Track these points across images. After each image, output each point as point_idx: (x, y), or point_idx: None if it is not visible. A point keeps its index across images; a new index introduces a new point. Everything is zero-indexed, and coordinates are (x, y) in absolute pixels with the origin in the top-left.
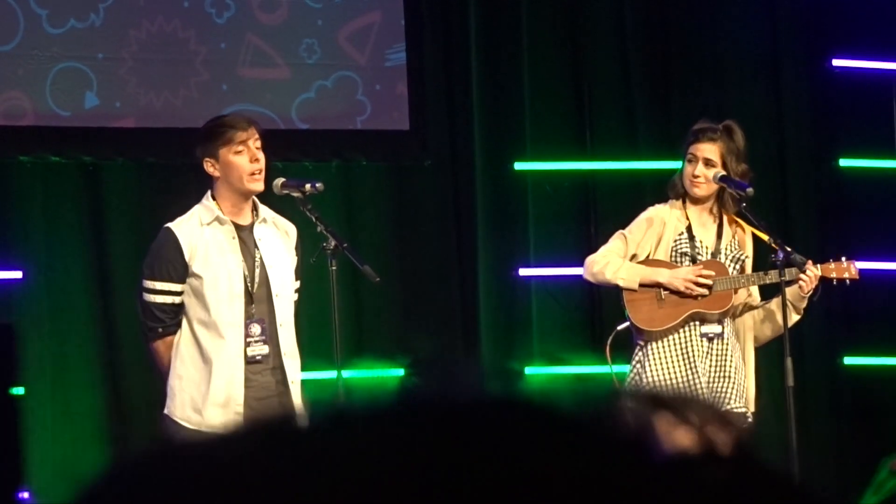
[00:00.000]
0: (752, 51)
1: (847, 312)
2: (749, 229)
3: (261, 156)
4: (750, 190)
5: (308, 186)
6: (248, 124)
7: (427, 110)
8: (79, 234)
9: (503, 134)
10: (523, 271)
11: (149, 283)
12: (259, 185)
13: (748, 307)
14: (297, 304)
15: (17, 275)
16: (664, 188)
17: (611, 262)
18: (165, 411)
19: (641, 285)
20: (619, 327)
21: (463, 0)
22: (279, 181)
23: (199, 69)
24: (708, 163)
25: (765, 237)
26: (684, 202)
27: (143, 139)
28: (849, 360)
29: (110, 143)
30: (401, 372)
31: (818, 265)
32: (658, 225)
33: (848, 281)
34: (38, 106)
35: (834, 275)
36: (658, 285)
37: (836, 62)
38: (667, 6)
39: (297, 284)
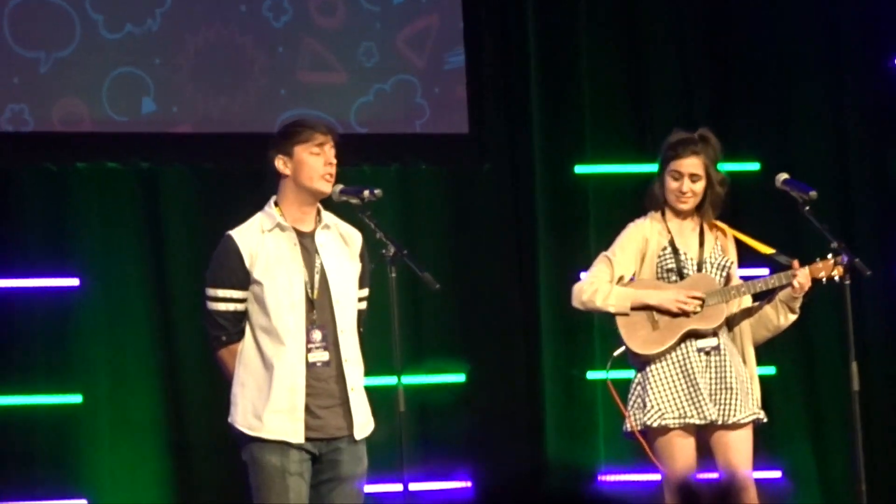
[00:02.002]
0: (812, 51)
1: None
2: (731, 232)
3: (335, 162)
4: (814, 193)
5: (366, 193)
6: (329, 130)
7: (486, 113)
8: (136, 241)
9: (562, 136)
10: (585, 275)
11: (211, 291)
12: (328, 187)
13: (742, 312)
14: (363, 312)
15: (74, 282)
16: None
17: (599, 289)
18: (230, 419)
19: (633, 308)
20: (616, 353)
21: (521, 2)
22: (337, 188)
23: (256, 74)
24: (693, 177)
25: (760, 247)
26: (663, 213)
27: (201, 145)
28: None
29: (168, 148)
30: (461, 378)
31: (807, 266)
32: (640, 242)
33: (837, 278)
34: (95, 112)
35: (822, 274)
36: (649, 308)
37: None
38: (727, 7)
39: (364, 292)
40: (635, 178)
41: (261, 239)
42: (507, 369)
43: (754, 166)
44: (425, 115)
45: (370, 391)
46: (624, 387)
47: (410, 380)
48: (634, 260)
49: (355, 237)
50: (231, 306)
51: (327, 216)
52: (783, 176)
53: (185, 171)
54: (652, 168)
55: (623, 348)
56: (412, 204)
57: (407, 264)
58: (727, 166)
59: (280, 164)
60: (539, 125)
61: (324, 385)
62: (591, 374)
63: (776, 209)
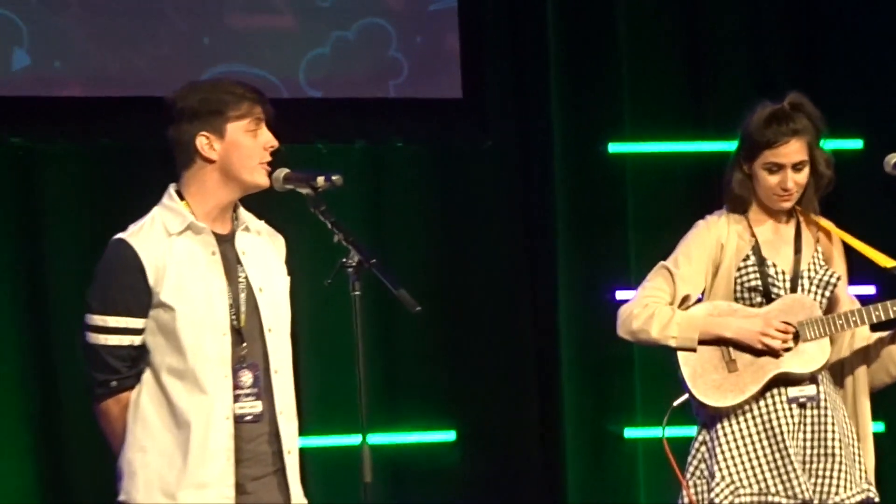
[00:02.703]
0: None
1: None
2: (838, 234)
3: (276, 143)
4: None
5: (321, 180)
6: (263, 98)
7: (487, 72)
8: (4, 241)
9: (592, 104)
10: (621, 294)
11: (97, 319)
12: (266, 180)
13: (854, 350)
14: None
15: None
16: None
17: (656, 315)
18: (122, 497)
19: (701, 342)
20: (676, 403)
21: None
22: (282, 172)
23: (170, 17)
24: (797, 166)
25: (878, 257)
26: (746, 210)
27: (94, 113)
28: None
29: (48, 118)
30: (451, 437)
31: None
32: (713, 249)
33: None
34: None
35: None
36: (723, 341)
37: None
38: None
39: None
40: (688, 159)
41: (167, 245)
42: (514, 425)
43: (856, 144)
44: (402, 73)
45: (325, 455)
46: (682, 447)
47: (381, 439)
48: (704, 274)
49: (278, 242)
50: (126, 339)
51: (245, 214)
52: (895, 157)
53: (71, 150)
54: (713, 147)
55: (685, 397)
56: (384, 195)
57: (377, 278)
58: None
59: (204, 144)
60: (559, 89)
61: (254, 447)
62: (631, 432)
63: (885, 201)
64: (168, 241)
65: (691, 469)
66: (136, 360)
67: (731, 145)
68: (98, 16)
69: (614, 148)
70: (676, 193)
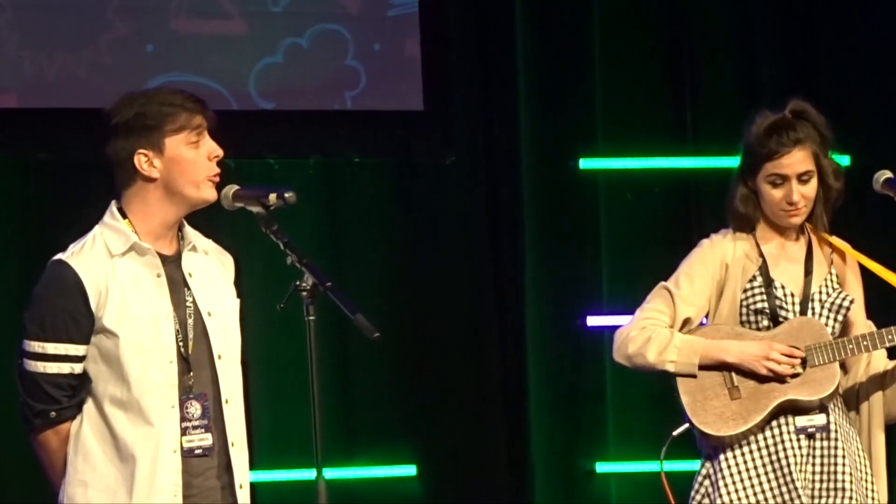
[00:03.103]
0: None
1: None
2: (852, 255)
3: (221, 153)
4: None
5: (273, 197)
6: (203, 105)
7: (450, 82)
8: None
9: (564, 118)
10: (592, 319)
11: (35, 346)
12: (214, 194)
13: (868, 377)
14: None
15: None
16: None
17: (654, 338)
18: None
19: (702, 367)
20: (675, 433)
21: None
22: (231, 189)
23: (112, 21)
24: (803, 177)
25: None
26: (752, 228)
27: (29, 125)
28: None
29: None
30: (411, 471)
31: None
32: (718, 269)
33: None
34: None
35: None
36: (725, 366)
37: None
38: None
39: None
40: (665, 175)
41: (109, 267)
42: (479, 458)
43: (843, 160)
44: (360, 83)
45: (278, 490)
46: (681, 481)
47: (337, 473)
48: (707, 295)
49: (227, 261)
50: (66, 367)
51: (192, 233)
52: (885, 174)
53: (5, 164)
54: (692, 163)
55: (685, 426)
56: (340, 213)
57: (333, 302)
58: None
59: (143, 162)
60: (528, 99)
61: (202, 482)
62: (603, 466)
63: (873, 219)
64: (110, 262)
65: (693, 502)
66: (76, 390)
67: (710, 161)
68: (33, 20)
69: (586, 163)
70: (653, 213)
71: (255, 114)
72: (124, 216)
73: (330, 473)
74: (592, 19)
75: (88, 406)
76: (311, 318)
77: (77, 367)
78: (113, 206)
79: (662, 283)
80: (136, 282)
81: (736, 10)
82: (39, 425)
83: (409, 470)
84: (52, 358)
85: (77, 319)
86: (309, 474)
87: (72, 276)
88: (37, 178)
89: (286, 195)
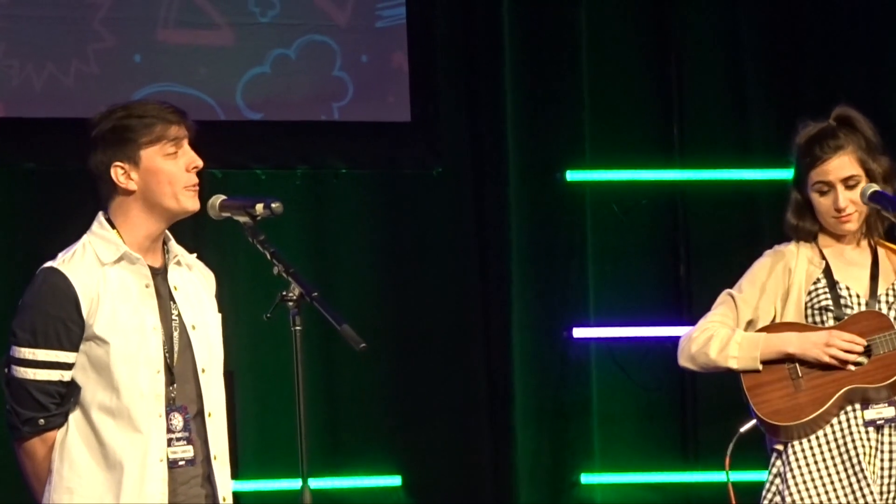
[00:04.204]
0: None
1: None
2: None
3: (200, 163)
4: None
5: (260, 208)
6: (181, 116)
7: (437, 93)
8: None
9: (551, 129)
10: (579, 331)
11: (26, 353)
12: (196, 203)
13: None
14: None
15: None
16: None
17: (715, 336)
18: None
19: (765, 362)
20: (743, 429)
21: None
22: (217, 199)
23: (100, 32)
24: (849, 182)
25: None
26: (815, 237)
27: (17, 135)
28: None
29: None
30: (396, 482)
31: None
32: (782, 274)
33: None
34: None
35: None
36: (789, 357)
37: None
38: None
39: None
40: (653, 188)
41: (100, 275)
42: (465, 470)
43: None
44: (347, 94)
45: (263, 500)
46: (750, 491)
47: (322, 483)
48: (772, 299)
49: (209, 277)
50: (56, 374)
51: (176, 247)
52: (871, 187)
53: None
54: (680, 175)
55: (752, 422)
56: (327, 224)
57: (319, 313)
58: (783, 174)
59: (121, 176)
60: (515, 111)
61: (188, 490)
62: (589, 478)
63: None
64: (101, 270)
65: (766, 498)
66: (64, 397)
67: (697, 174)
68: (21, 30)
69: (573, 175)
70: (640, 225)
71: (243, 124)
72: (113, 227)
73: (315, 483)
74: (580, 32)
75: (75, 414)
76: (298, 328)
77: (66, 375)
78: (101, 217)
79: (728, 290)
80: (126, 291)
81: (723, 25)
82: (27, 433)
83: (395, 480)
84: (42, 365)
85: (68, 326)
86: (294, 484)
87: (64, 284)
88: (24, 188)
89: (273, 205)
